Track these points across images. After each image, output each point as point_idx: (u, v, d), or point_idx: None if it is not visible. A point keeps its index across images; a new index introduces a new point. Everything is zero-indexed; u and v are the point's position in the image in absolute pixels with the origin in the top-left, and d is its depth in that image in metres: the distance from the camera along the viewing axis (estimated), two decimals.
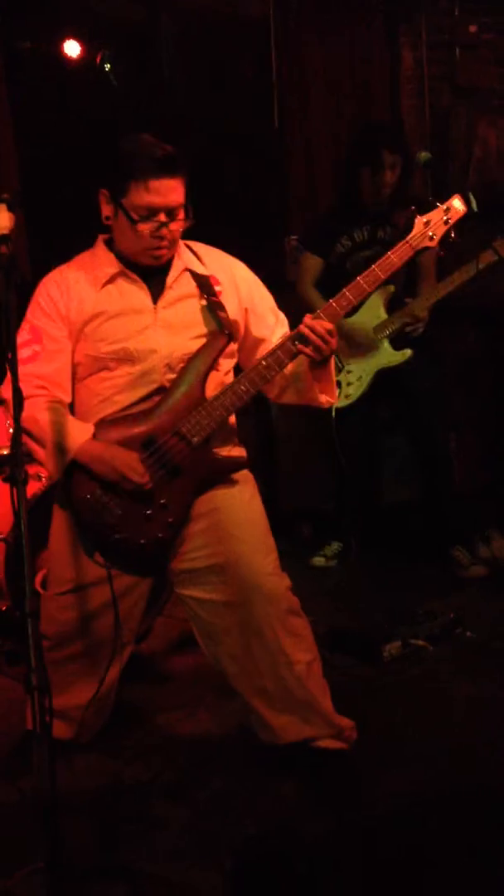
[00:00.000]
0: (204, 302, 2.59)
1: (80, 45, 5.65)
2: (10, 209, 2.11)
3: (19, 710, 2.87)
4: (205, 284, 2.60)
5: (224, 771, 2.74)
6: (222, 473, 2.62)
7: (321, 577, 4.24)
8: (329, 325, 2.50)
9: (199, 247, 2.71)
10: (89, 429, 2.54)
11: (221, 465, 2.61)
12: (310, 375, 2.60)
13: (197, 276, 2.61)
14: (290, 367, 2.59)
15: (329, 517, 4.51)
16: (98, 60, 5.78)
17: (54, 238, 4.80)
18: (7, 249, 2.06)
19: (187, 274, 2.62)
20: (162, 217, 2.46)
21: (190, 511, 2.59)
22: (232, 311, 2.63)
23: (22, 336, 2.56)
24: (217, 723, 2.99)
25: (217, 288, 2.62)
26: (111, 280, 2.58)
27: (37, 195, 4.97)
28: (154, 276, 2.59)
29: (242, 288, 2.68)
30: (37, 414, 2.49)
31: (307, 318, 2.51)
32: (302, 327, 2.50)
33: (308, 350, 2.50)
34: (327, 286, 4.15)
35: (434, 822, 2.45)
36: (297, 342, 2.51)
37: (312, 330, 2.48)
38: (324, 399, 2.65)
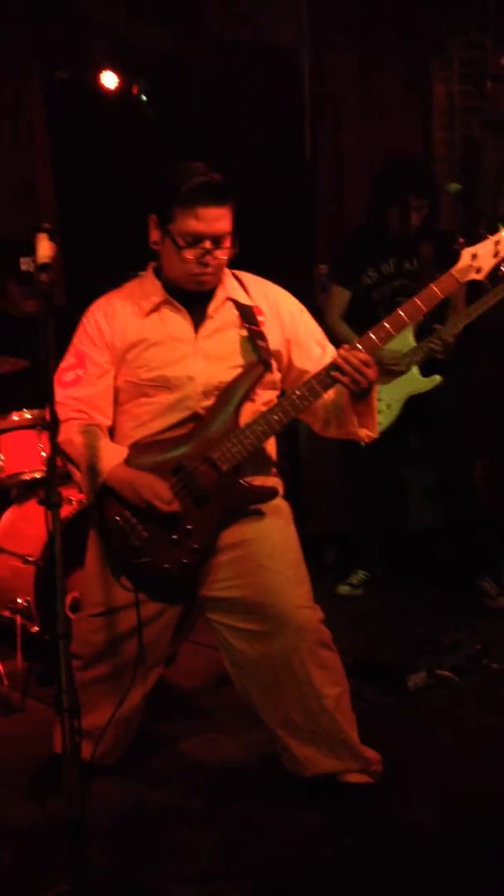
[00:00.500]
0: (245, 332, 2.60)
1: (117, 76, 5.76)
2: (50, 239, 2.16)
3: (46, 733, 2.89)
4: (247, 314, 2.62)
5: (249, 798, 2.74)
6: (251, 503, 2.62)
7: (346, 606, 4.23)
8: (365, 357, 2.49)
9: (245, 276, 2.73)
10: (122, 452, 2.57)
11: (250, 493, 2.61)
12: (350, 408, 2.60)
13: (240, 306, 2.63)
14: (330, 398, 2.60)
15: (355, 543, 4.51)
16: (134, 91, 5.88)
17: (90, 266, 4.86)
18: (48, 278, 2.11)
19: (230, 303, 2.64)
20: (207, 244, 2.50)
21: (217, 538, 2.60)
22: (274, 341, 2.64)
23: (67, 360, 2.63)
24: (242, 750, 2.99)
25: (260, 318, 2.63)
26: (156, 308, 2.62)
27: (73, 224, 5.06)
28: (197, 305, 2.62)
29: (286, 319, 2.69)
30: (73, 436, 2.55)
31: (342, 349, 2.53)
32: (337, 358, 2.51)
33: (345, 380, 2.50)
34: (354, 318, 4.19)
35: (457, 855, 2.44)
36: (331, 372, 2.52)
37: (347, 361, 2.48)
38: (363, 433, 2.64)
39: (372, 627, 3.97)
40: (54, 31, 5.22)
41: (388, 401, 4.10)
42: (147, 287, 2.66)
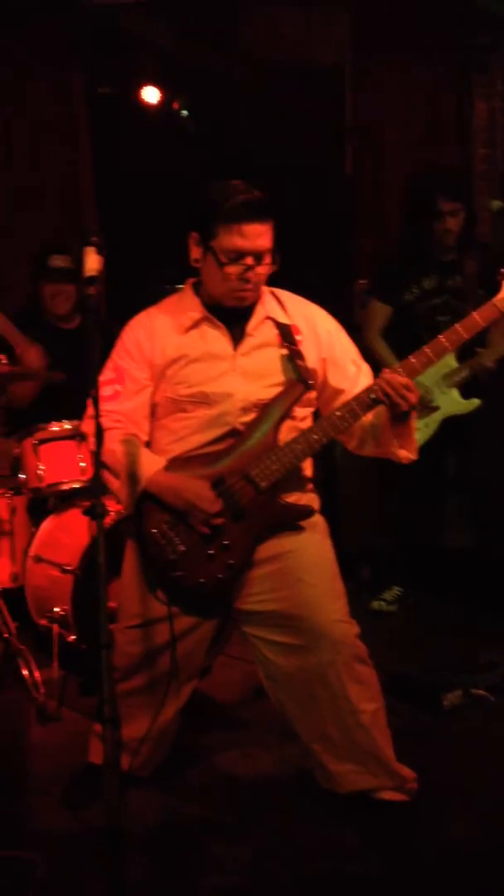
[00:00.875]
0: (283, 350, 2.62)
1: (159, 92, 5.83)
2: (98, 252, 2.18)
3: (82, 743, 2.91)
4: (286, 333, 2.64)
5: (283, 813, 2.74)
6: (288, 520, 2.63)
7: (380, 622, 4.22)
8: (406, 381, 2.51)
9: (284, 295, 2.75)
10: (160, 461, 2.60)
11: (287, 512, 2.62)
12: (389, 429, 2.61)
13: (278, 325, 2.65)
14: (369, 419, 2.61)
15: (389, 560, 4.50)
16: (175, 107, 5.95)
17: (131, 280, 4.91)
18: (95, 290, 2.13)
19: (269, 322, 2.66)
20: (249, 261, 2.52)
21: (252, 554, 2.60)
22: (311, 360, 2.65)
23: (106, 374, 2.66)
24: (277, 765, 2.99)
25: (298, 337, 2.65)
26: (195, 325, 2.64)
27: (114, 238, 5.11)
28: (236, 322, 2.64)
29: (323, 337, 2.70)
30: (112, 445, 2.57)
31: (385, 372, 2.54)
32: (379, 380, 2.52)
33: (386, 402, 2.51)
34: (395, 334, 4.19)
35: (492, 874, 2.42)
36: (371, 395, 2.53)
37: (389, 383, 2.50)
38: (402, 454, 2.64)
39: (406, 645, 3.95)
40: (98, 47, 5.29)
41: (425, 420, 4.09)
42: (186, 303, 2.69)
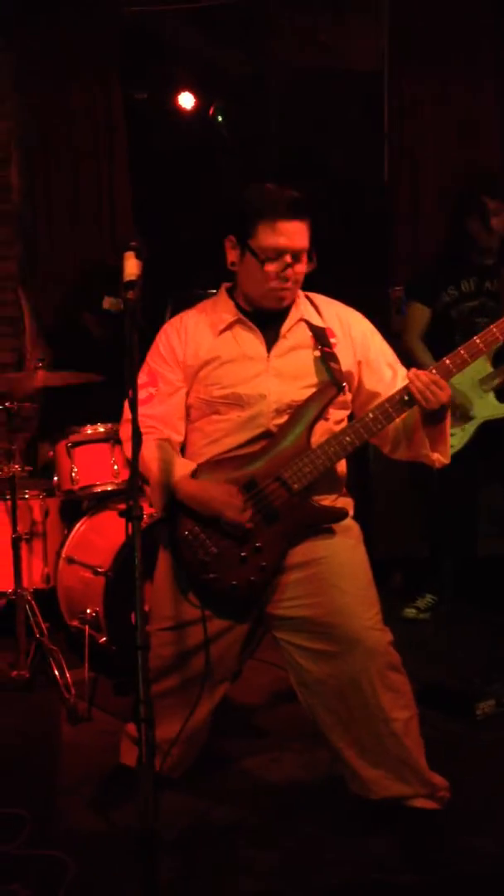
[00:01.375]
0: (317, 353, 2.62)
1: (194, 97, 5.86)
2: (137, 257, 2.19)
3: (112, 743, 2.91)
4: (320, 336, 2.64)
5: (311, 818, 2.72)
6: (321, 523, 2.62)
7: (413, 629, 4.20)
8: (435, 377, 2.50)
9: (318, 298, 2.76)
10: (189, 466, 2.60)
11: (320, 514, 2.61)
12: (422, 431, 2.60)
13: (313, 327, 2.65)
14: (401, 422, 2.60)
15: (422, 567, 4.48)
16: (211, 112, 5.97)
17: (166, 283, 4.92)
18: (134, 295, 2.14)
19: (303, 324, 2.66)
20: (288, 259, 2.53)
21: (284, 557, 2.60)
22: (346, 362, 2.65)
23: (140, 378, 2.66)
24: (305, 770, 2.98)
25: (332, 340, 2.65)
26: (229, 327, 2.66)
27: (149, 241, 5.13)
28: (270, 325, 2.65)
29: (358, 340, 2.70)
30: (143, 451, 2.56)
31: (413, 370, 2.54)
32: (408, 376, 2.53)
33: (417, 397, 2.50)
34: (434, 337, 4.17)
35: None
36: (405, 395, 2.53)
37: (418, 378, 2.49)
38: (435, 457, 2.61)
39: (438, 653, 3.93)
40: (135, 54, 5.33)
41: (463, 425, 4.07)
42: (220, 306, 2.70)
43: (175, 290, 4.35)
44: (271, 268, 2.54)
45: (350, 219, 5.65)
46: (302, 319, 2.67)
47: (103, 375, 3.95)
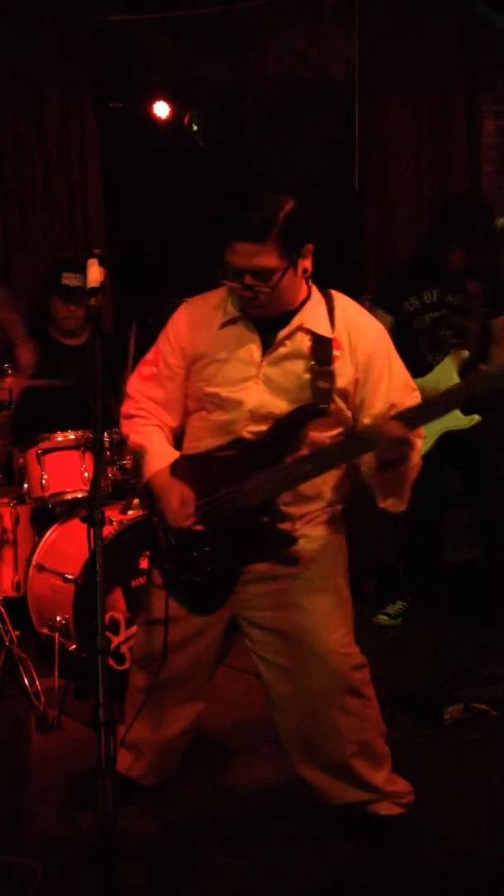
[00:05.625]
0: (312, 366, 2.49)
1: (169, 106, 5.88)
2: (101, 264, 2.21)
3: (82, 751, 2.91)
4: (320, 348, 2.50)
5: (280, 822, 2.74)
6: (268, 543, 2.53)
7: (383, 635, 4.22)
8: (402, 434, 2.34)
9: (340, 302, 2.60)
10: (169, 457, 2.60)
11: (268, 533, 2.52)
12: (377, 473, 2.47)
13: (314, 337, 2.51)
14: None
15: (393, 574, 4.50)
16: (186, 121, 5.99)
17: (139, 294, 4.94)
18: (97, 302, 2.15)
19: (301, 333, 2.52)
20: (248, 279, 2.42)
21: (234, 567, 2.55)
22: (345, 377, 2.51)
23: (150, 353, 2.69)
24: (276, 775, 2.98)
25: (336, 352, 2.51)
26: (231, 322, 2.56)
27: (122, 251, 5.15)
28: (271, 328, 2.53)
29: (361, 363, 2.53)
30: (133, 434, 2.64)
31: (384, 421, 2.40)
32: (375, 428, 2.41)
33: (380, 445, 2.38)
34: (397, 344, 4.18)
35: (489, 886, 2.42)
36: (362, 437, 2.45)
37: (383, 433, 2.36)
38: (388, 504, 2.52)
39: (408, 658, 3.95)
40: (110, 62, 5.34)
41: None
42: (226, 300, 2.60)
43: (148, 297, 4.36)
44: (230, 283, 2.47)
45: (321, 229, 5.68)
46: (302, 327, 2.52)
47: (72, 381, 3.95)
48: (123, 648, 3.51)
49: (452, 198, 4.66)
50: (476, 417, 4.06)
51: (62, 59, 5.00)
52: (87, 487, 3.80)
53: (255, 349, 2.53)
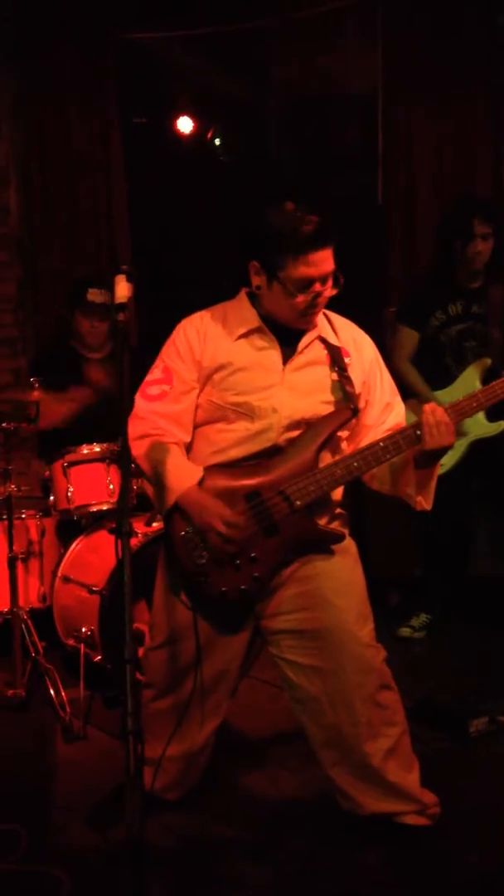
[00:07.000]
0: (334, 373, 2.61)
1: (193, 122, 5.93)
2: (128, 280, 2.23)
3: (107, 762, 2.92)
4: (335, 354, 2.62)
5: (306, 834, 2.74)
6: (318, 543, 2.63)
7: (408, 648, 4.22)
8: (446, 418, 2.51)
9: (335, 317, 2.74)
10: (197, 474, 2.58)
11: (318, 534, 2.61)
12: (411, 471, 2.59)
13: (329, 345, 2.64)
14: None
15: (417, 586, 4.50)
16: (209, 136, 6.04)
17: (163, 308, 4.98)
18: (125, 317, 2.18)
19: (318, 342, 2.63)
20: (317, 287, 2.49)
21: (278, 571, 2.60)
22: (357, 384, 2.64)
23: (154, 374, 2.66)
24: (300, 787, 3.00)
25: (346, 360, 2.64)
26: (248, 333, 2.61)
27: (146, 265, 5.19)
28: (288, 338, 2.61)
29: (367, 367, 2.69)
30: (151, 453, 2.58)
31: (431, 404, 2.54)
32: (425, 413, 2.52)
33: (425, 431, 2.50)
34: (422, 360, 4.21)
35: None
36: (418, 430, 2.53)
37: (433, 413, 2.50)
38: (419, 499, 2.63)
39: (433, 671, 3.94)
40: (133, 78, 5.39)
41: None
42: (243, 312, 2.65)
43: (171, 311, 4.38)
44: (301, 298, 2.50)
45: (346, 242, 5.69)
46: (319, 337, 2.63)
47: (96, 395, 4.00)
48: None
49: (458, 199, 4.68)
50: (503, 424, 4.06)
51: (88, 76, 5.07)
52: (112, 500, 3.83)
53: (276, 356, 2.60)
